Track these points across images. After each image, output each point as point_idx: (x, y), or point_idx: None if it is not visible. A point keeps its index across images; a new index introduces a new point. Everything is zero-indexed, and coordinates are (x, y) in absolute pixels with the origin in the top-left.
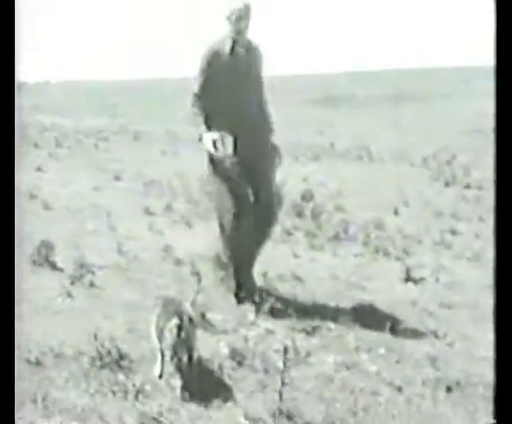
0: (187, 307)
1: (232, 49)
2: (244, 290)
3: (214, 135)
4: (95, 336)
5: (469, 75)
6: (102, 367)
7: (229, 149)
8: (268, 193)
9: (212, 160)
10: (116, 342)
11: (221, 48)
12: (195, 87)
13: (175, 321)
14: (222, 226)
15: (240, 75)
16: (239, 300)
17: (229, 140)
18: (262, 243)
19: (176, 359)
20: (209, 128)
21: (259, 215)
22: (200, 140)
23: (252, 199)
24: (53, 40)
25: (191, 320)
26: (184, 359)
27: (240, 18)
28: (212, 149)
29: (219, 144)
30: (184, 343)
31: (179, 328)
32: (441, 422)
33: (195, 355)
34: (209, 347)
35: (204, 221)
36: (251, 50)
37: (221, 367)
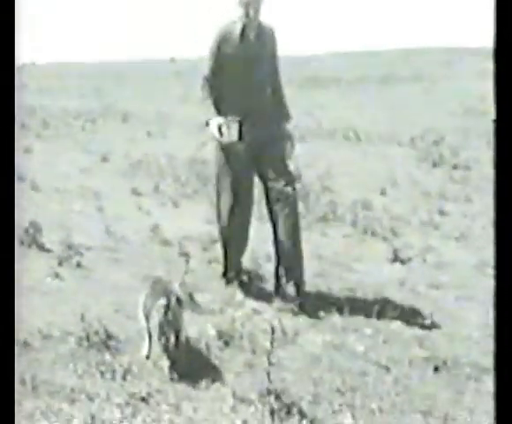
0: (175, 288)
1: (242, 32)
2: (232, 271)
3: (220, 120)
4: (83, 317)
5: (455, 56)
6: (90, 347)
7: (235, 135)
8: (283, 181)
9: (219, 146)
10: (104, 322)
11: (231, 31)
12: (205, 70)
13: (162, 301)
14: (218, 211)
15: (250, 59)
16: (227, 281)
17: (235, 126)
18: (288, 232)
19: (163, 340)
20: (218, 112)
21: (275, 205)
22: (207, 124)
23: (253, 192)
24: (39, 21)
25: (178, 300)
26: (172, 339)
27: (250, 3)
28: (217, 134)
29: (224, 129)
30: (171, 323)
31: (167, 308)
32: (429, 402)
33: (183, 335)
34: (197, 327)
35: (192, 202)
36: (262, 34)
37: (208, 348)
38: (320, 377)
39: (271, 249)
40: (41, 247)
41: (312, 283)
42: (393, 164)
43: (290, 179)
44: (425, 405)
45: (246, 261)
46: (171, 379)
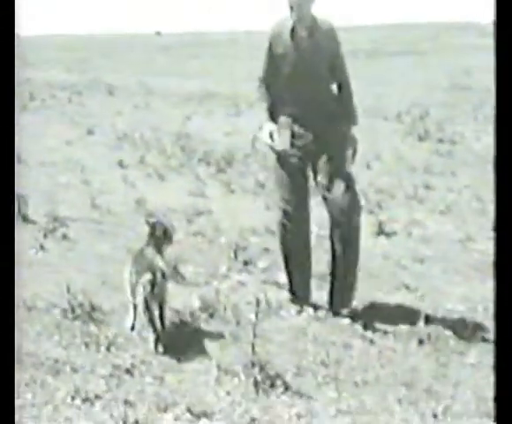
0: (160, 262)
1: (293, 31)
2: (297, 290)
3: (272, 126)
4: (68, 289)
5: (443, 31)
6: (75, 319)
7: (285, 143)
8: (341, 192)
9: (275, 152)
10: (89, 294)
11: (281, 30)
12: (260, 71)
13: (148, 276)
14: (278, 226)
15: (302, 59)
16: (296, 305)
17: (286, 133)
18: (345, 249)
19: (148, 314)
20: (272, 116)
21: (331, 217)
22: (260, 129)
23: (309, 203)
24: None
25: (163, 274)
26: (157, 312)
27: (300, 5)
28: (268, 141)
29: (276, 136)
30: (156, 297)
31: (152, 283)
32: (413, 375)
33: (167, 308)
34: (181, 300)
35: (177, 174)
36: (316, 31)
37: (193, 320)
38: (305, 350)
39: (256, 223)
40: (27, 219)
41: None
42: (379, 138)
43: (350, 190)
44: (408, 378)
45: (231, 235)
46: (156, 351)
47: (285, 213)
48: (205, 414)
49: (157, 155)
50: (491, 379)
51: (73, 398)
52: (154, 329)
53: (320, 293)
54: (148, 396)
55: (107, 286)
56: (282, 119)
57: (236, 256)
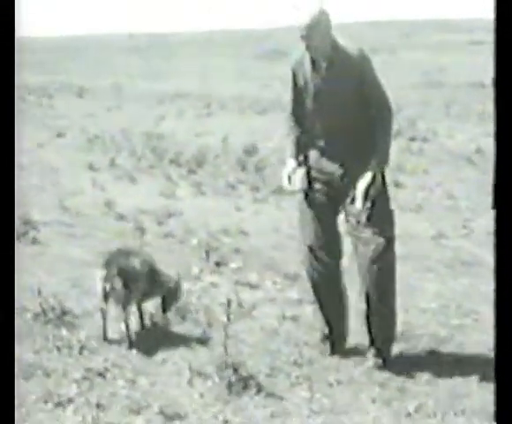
0: (132, 264)
1: (313, 62)
2: (335, 337)
3: (291, 165)
4: (39, 292)
5: (415, 28)
6: (46, 322)
7: (301, 183)
8: (370, 229)
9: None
10: (60, 298)
11: (302, 61)
12: (288, 104)
13: (118, 280)
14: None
15: (324, 91)
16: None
17: (301, 172)
18: (379, 294)
19: (124, 316)
20: (300, 150)
21: (361, 258)
22: (285, 166)
23: (339, 240)
24: None
25: (136, 277)
26: (130, 315)
27: (308, 37)
28: (285, 182)
29: (293, 176)
30: (130, 300)
31: (125, 286)
32: (386, 374)
33: (141, 310)
34: (153, 301)
35: (147, 175)
36: (339, 61)
37: (165, 321)
38: (278, 350)
39: (228, 224)
40: None
41: (268, 256)
42: None
43: (380, 226)
44: (382, 377)
45: (204, 236)
46: (129, 353)
47: (314, 257)
48: (178, 416)
49: (128, 156)
50: (466, 377)
51: (46, 402)
52: (127, 331)
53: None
54: (121, 399)
55: (78, 289)
56: (311, 154)
57: (207, 257)
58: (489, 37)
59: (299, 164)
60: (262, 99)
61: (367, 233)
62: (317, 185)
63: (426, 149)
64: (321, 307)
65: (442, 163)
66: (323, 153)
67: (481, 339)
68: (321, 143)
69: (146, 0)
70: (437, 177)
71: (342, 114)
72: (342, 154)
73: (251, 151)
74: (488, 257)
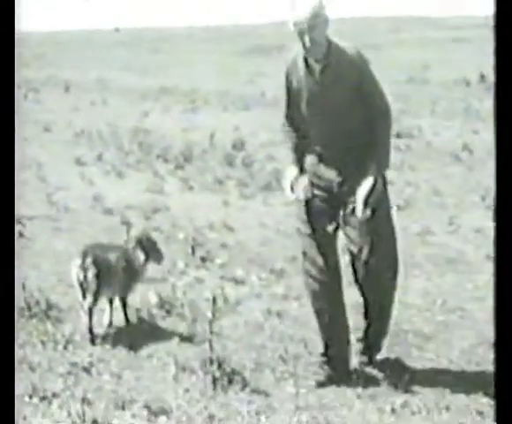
0: (107, 257)
1: (306, 63)
2: (333, 356)
3: (292, 173)
4: (24, 287)
5: (400, 24)
6: (31, 317)
7: (305, 192)
8: (367, 248)
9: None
10: (45, 292)
11: (296, 62)
12: (283, 108)
13: (91, 270)
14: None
15: (318, 95)
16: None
17: (303, 181)
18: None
19: (91, 306)
20: (301, 154)
21: (360, 279)
22: (284, 175)
23: (338, 257)
24: None
25: (109, 269)
26: (114, 308)
27: (303, 33)
28: (288, 191)
29: (295, 185)
30: (101, 291)
31: (97, 276)
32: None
33: (126, 304)
34: (138, 296)
35: (134, 170)
36: (334, 62)
37: (150, 316)
38: (263, 345)
39: (214, 219)
40: None
41: (254, 251)
42: None
43: (377, 245)
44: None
45: (190, 231)
46: (113, 347)
47: (311, 263)
48: (163, 411)
49: (115, 151)
50: (451, 374)
51: (31, 397)
52: (112, 325)
53: None
54: (106, 393)
55: (63, 284)
56: (308, 159)
57: (193, 252)
58: (474, 34)
59: (301, 171)
60: (247, 95)
61: (364, 256)
62: (315, 192)
63: (412, 146)
64: (321, 322)
65: (428, 160)
66: (320, 158)
67: (466, 335)
68: (318, 148)
69: None
70: (423, 174)
71: (338, 118)
72: (341, 159)
73: (238, 146)
74: (474, 254)
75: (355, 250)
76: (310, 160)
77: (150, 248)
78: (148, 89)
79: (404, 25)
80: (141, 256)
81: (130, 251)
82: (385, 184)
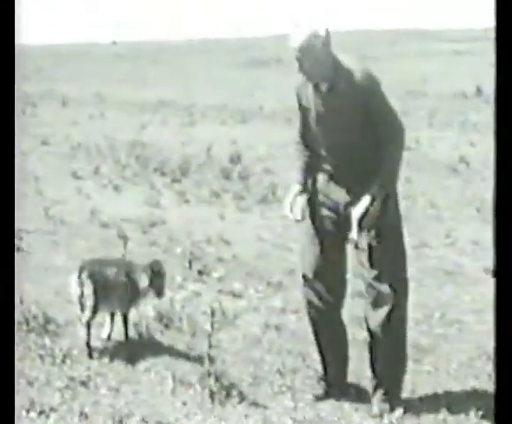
0: (105, 272)
1: (315, 84)
2: (331, 379)
3: (293, 192)
4: (21, 301)
5: (399, 37)
6: (29, 331)
7: (298, 215)
8: (374, 273)
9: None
10: (43, 306)
11: (305, 83)
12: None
13: (88, 285)
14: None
15: (325, 115)
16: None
17: (300, 203)
18: (387, 351)
19: (88, 320)
20: (308, 175)
21: (368, 308)
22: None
23: (342, 283)
24: None
25: (106, 284)
26: (113, 323)
27: (299, 59)
28: (287, 211)
29: (294, 206)
30: (98, 306)
31: (95, 292)
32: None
33: (127, 320)
34: (137, 310)
35: (132, 184)
36: (341, 83)
37: (148, 330)
38: (261, 359)
39: (211, 233)
40: None
41: (251, 265)
42: None
43: (388, 274)
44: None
45: (187, 245)
46: (111, 362)
47: (311, 289)
48: None
49: (112, 164)
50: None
51: (28, 411)
52: (110, 340)
53: None
54: (104, 407)
55: (61, 298)
56: (319, 177)
57: (190, 266)
58: (473, 47)
59: (304, 190)
60: (245, 108)
61: (376, 283)
62: (324, 212)
63: (409, 158)
64: (319, 347)
65: (425, 172)
66: (330, 177)
67: (465, 348)
68: (328, 167)
69: (129, 8)
70: (420, 187)
71: (347, 138)
72: (350, 179)
73: (235, 160)
74: (472, 266)
75: (366, 274)
76: (320, 178)
77: (155, 279)
78: (146, 102)
79: (403, 38)
80: (145, 281)
81: (133, 267)
82: (396, 206)
